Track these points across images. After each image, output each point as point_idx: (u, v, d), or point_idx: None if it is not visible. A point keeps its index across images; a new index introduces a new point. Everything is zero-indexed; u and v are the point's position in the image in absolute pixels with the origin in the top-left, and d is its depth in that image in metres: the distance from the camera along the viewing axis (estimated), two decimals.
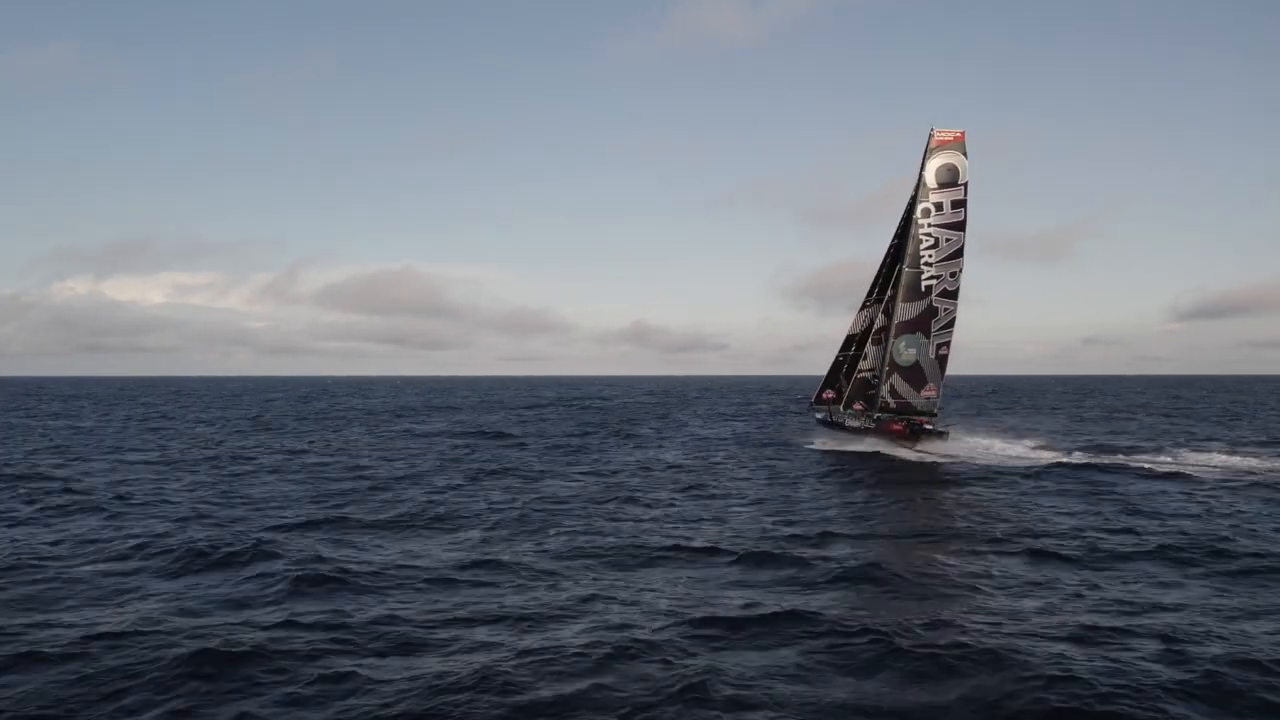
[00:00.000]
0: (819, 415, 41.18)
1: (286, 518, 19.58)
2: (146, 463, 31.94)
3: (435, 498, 22.81)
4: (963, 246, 36.06)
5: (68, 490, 23.69)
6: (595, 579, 13.78)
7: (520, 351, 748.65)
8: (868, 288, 38.36)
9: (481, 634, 10.89)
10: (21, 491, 23.43)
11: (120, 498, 22.31)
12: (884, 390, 37.19)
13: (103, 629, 10.78)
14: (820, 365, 41.11)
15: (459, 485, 25.53)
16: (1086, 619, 11.38)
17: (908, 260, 36.63)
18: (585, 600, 12.47)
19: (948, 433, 36.64)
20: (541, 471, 29.50)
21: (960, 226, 36.11)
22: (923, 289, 36.50)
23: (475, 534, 17.77)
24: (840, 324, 39.73)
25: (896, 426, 35.89)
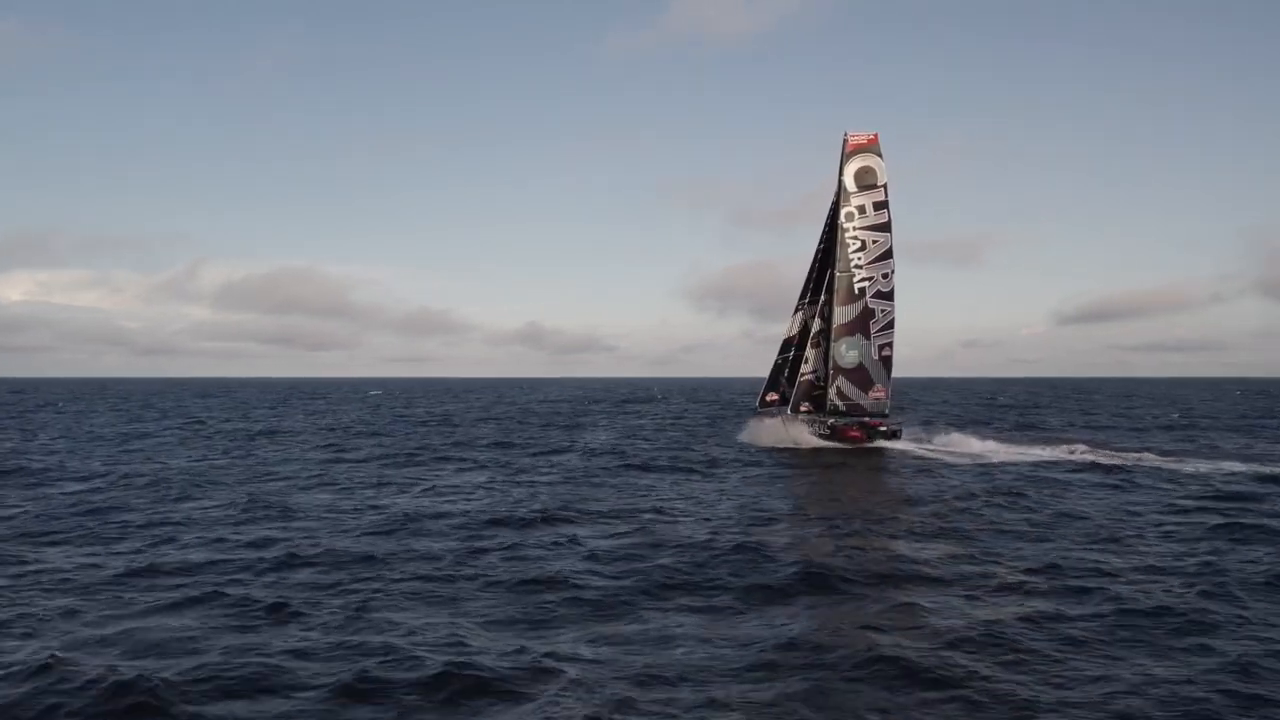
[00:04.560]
0: (767, 422, 41.20)
1: None
2: None
3: None
4: (891, 247, 36.39)
5: None
6: None
7: (410, 352, 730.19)
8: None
9: None
10: None
11: None
12: (831, 393, 37.45)
13: None
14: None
15: None
16: None
17: (838, 264, 36.78)
18: None
19: (900, 431, 37.12)
20: None
21: (885, 228, 36.40)
22: (857, 291, 36.74)
23: None
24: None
25: (854, 433, 36.13)
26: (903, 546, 16.76)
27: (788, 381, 39.02)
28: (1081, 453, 33.63)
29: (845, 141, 36.62)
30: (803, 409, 38.31)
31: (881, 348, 36.85)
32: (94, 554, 16.24)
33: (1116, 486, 24.86)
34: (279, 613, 12.31)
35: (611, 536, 17.71)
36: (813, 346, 37.98)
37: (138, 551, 16.49)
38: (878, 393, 37.06)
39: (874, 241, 36.53)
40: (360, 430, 50.01)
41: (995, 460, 31.64)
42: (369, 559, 15.58)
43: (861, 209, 36.53)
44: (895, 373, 37.31)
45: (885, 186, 36.41)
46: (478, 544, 16.83)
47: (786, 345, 39.30)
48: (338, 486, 25.67)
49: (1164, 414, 67.31)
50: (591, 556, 15.76)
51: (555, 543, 17.00)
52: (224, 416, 65.40)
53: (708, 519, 19.84)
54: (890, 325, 36.71)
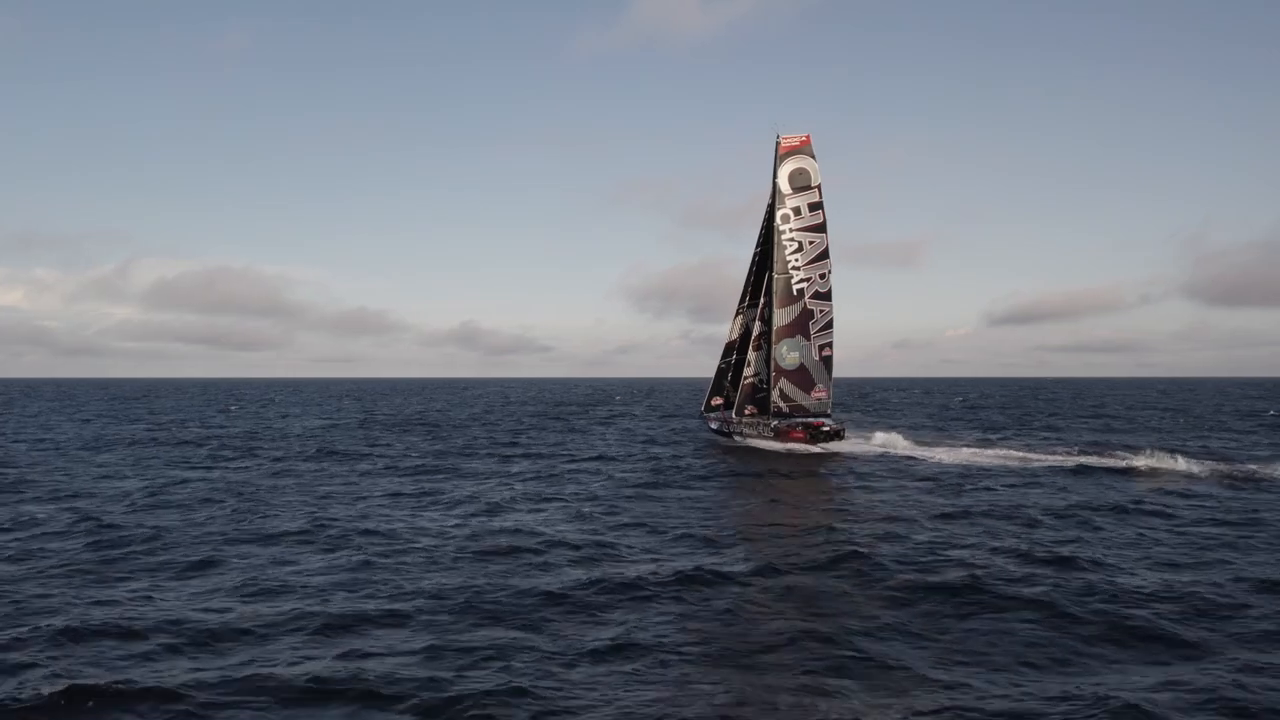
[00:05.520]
0: (712, 425, 41.42)
1: None
2: None
3: None
4: (827, 248, 36.32)
5: None
6: None
7: (340, 353, 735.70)
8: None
9: None
10: None
11: None
12: (774, 395, 37.48)
13: None
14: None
15: None
16: None
17: (776, 266, 36.79)
18: None
19: (843, 431, 37.06)
20: None
21: (821, 229, 36.32)
22: (795, 293, 36.72)
23: None
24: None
25: (798, 434, 36.18)
26: (1156, 581, 14.19)
27: (731, 385, 39.21)
28: (1146, 459, 30.90)
29: (778, 144, 36.59)
30: (747, 412, 38.40)
31: (822, 348, 36.82)
32: (149, 609, 12.60)
33: (1253, 507, 21.95)
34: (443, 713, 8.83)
35: (762, 575, 14.65)
36: (754, 349, 38.04)
37: (188, 598, 13.19)
38: (819, 393, 37.04)
39: (810, 243, 36.48)
40: (345, 436, 48.65)
41: (1042, 466, 29.93)
42: (491, 612, 12.41)
43: (797, 210, 36.49)
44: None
45: (819, 187, 36.34)
46: (612, 582, 13.94)
47: (729, 349, 39.45)
48: (369, 502, 23.14)
49: (1164, 416, 65.32)
50: (787, 603, 12.86)
51: (710, 580, 14.14)
52: (180, 419, 63.72)
53: (850, 543, 16.97)
54: (829, 325, 36.66)
